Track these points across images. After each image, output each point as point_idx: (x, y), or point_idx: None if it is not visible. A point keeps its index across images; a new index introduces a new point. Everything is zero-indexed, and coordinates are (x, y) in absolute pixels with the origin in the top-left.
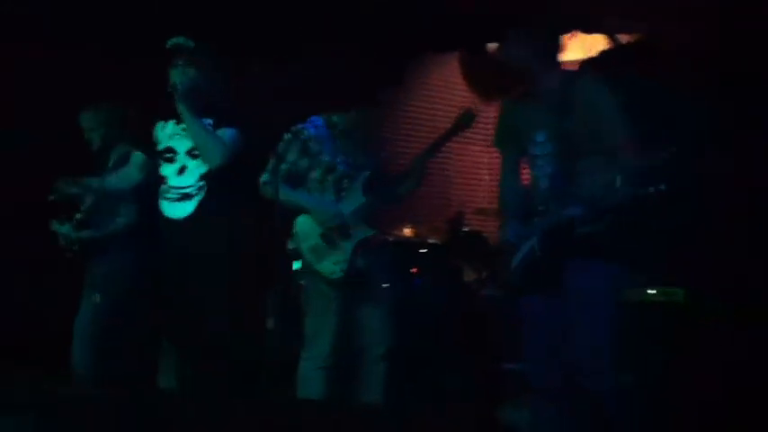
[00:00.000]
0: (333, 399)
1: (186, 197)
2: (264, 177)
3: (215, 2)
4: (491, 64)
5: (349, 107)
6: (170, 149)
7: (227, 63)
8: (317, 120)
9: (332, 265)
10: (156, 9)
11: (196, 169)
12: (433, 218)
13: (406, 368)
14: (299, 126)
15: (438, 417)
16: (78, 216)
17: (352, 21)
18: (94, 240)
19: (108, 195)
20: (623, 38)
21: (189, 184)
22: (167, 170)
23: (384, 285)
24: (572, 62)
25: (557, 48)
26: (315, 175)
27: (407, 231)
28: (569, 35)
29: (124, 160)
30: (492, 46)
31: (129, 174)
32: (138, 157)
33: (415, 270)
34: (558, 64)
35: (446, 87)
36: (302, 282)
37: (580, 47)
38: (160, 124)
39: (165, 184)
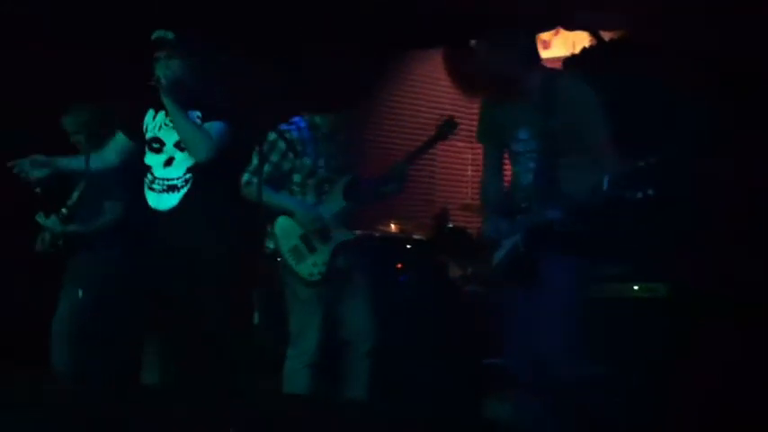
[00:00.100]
0: (319, 396)
1: (172, 189)
2: (246, 177)
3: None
4: (475, 60)
5: (332, 108)
6: (157, 140)
7: (214, 56)
8: (300, 121)
9: (311, 267)
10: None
11: (183, 161)
12: (418, 214)
13: (392, 364)
14: (283, 127)
15: (423, 412)
16: (64, 210)
17: (337, 19)
18: (79, 235)
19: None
20: (606, 35)
21: (176, 176)
22: (153, 160)
23: (366, 283)
24: (555, 59)
25: (537, 48)
26: (296, 177)
27: (392, 228)
28: (553, 32)
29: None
30: (476, 42)
31: (104, 155)
32: (117, 139)
33: (399, 266)
34: (540, 63)
35: (430, 82)
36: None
37: (563, 44)
38: (150, 112)
39: (150, 173)
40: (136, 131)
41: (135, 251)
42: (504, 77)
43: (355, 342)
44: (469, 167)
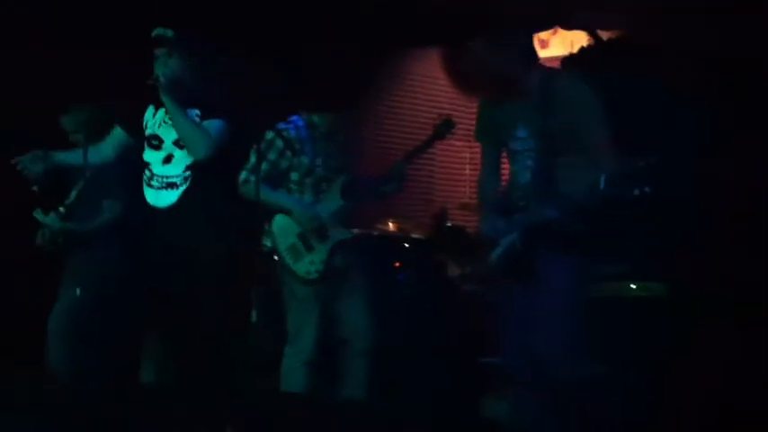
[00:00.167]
0: (316, 394)
1: (171, 186)
2: (243, 175)
3: None
4: (473, 60)
5: (330, 107)
6: (156, 137)
7: (213, 54)
8: (298, 120)
9: (308, 265)
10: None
11: (182, 159)
12: (416, 213)
13: (390, 364)
14: (281, 125)
15: (420, 411)
16: (62, 209)
17: (336, 18)
18: (78, 233)
19: (78, 175)
20: (605, 34)
21: (175, 173)
22: (152, 157)
23: (364, 281)
24: (553, 59)
25: (535, 47)
26: (294, 176)
27: (391, 227)
28: (551, 32)
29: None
30: (474, 42)
31: (101, 149)
32: (114, 133)
33: (398, 265)
34: (538, 62)
35: (429, 82)
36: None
37: (561, 43)
38: (150, 109)
39: (148, 170)
40: (135, 127)
41: (133, 249)
42: (503, 77)
43: (353, 340)
44: (468, 166)
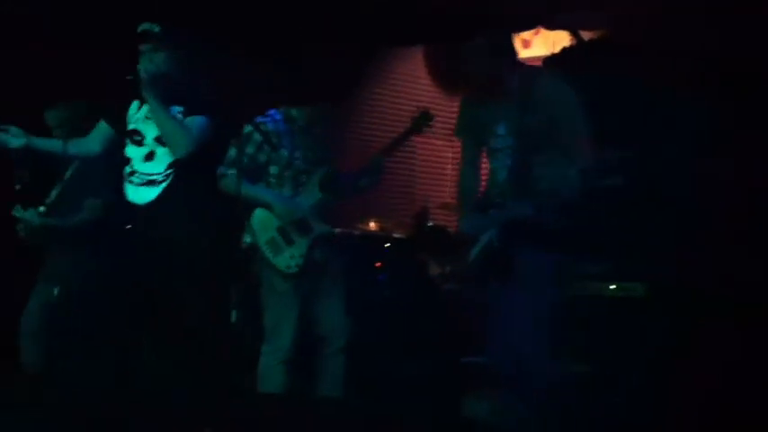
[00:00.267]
0: (294, 392)
1: (151, 183)
2: (222, 170)
3: None
4: (455, 59)
5: (309, 101)
6: (137, 132)
7: (199, 50)
8: (276, 113)
9: (288, 260)
10: None
11: (165, 157)
12: (397, 212)
13: (372, 362)
14: (259, 119)
15: (400, 410)
16: (42, 209)
17: (318, 14)
18: (58, 230)
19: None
20: (587, 34)
21: (157, 171)
22: (133, 152)
23: (343, 280)
24: (536, 58)
25: (516, 46)
26: (273, 170)
27: (372, 226)
28: (533, 31)
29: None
30: (457, 41)
31: (86, 143)
32: (100, 127)
33: (379, 264)
34: (520, 62)
35: (411, 80)
36: (260, 275)
37: (543, 43)
38: (135, 104)
39: (129, 166)
40: (120, 122)
41: (113, 245)
42: (484, 76)
43: (330, 338)
44: (449, 165)
